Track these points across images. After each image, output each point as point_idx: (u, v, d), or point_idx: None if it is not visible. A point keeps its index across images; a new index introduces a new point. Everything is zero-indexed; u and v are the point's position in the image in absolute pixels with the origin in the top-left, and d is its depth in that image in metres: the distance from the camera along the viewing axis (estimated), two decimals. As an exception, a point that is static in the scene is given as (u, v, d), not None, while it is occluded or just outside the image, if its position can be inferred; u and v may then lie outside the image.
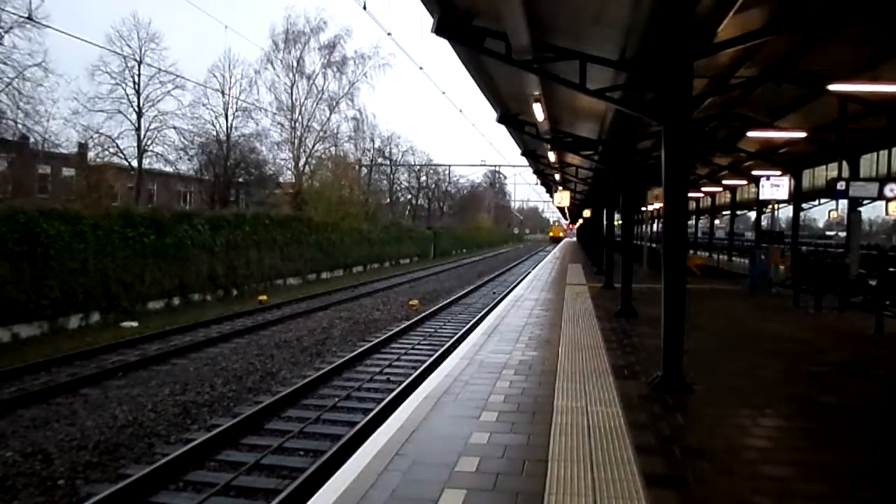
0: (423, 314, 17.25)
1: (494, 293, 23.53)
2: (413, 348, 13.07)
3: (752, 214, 31.56)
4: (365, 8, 16.98)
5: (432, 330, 15.31)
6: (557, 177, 27.04)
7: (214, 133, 38.77)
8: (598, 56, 7.99)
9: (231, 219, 22.94)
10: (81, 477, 6.40)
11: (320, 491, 3.96)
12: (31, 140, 28.53)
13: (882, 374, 7.84)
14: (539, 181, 39.31)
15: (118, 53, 32.25)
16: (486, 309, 17.74)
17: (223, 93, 38.18)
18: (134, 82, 33.85)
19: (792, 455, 4.72)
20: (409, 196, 74.37)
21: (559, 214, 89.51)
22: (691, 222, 41.42)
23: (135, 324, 15.67)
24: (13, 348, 12.78)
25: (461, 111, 48.40)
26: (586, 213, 40.75)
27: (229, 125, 39.12)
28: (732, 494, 3.98)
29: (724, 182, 28.99)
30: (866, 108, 13.67)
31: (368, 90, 78.18)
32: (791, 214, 24.19)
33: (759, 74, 11.31)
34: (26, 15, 22.62)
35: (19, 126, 27.28)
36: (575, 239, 77.78)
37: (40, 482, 6.23)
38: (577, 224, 69.30)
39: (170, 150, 36.17)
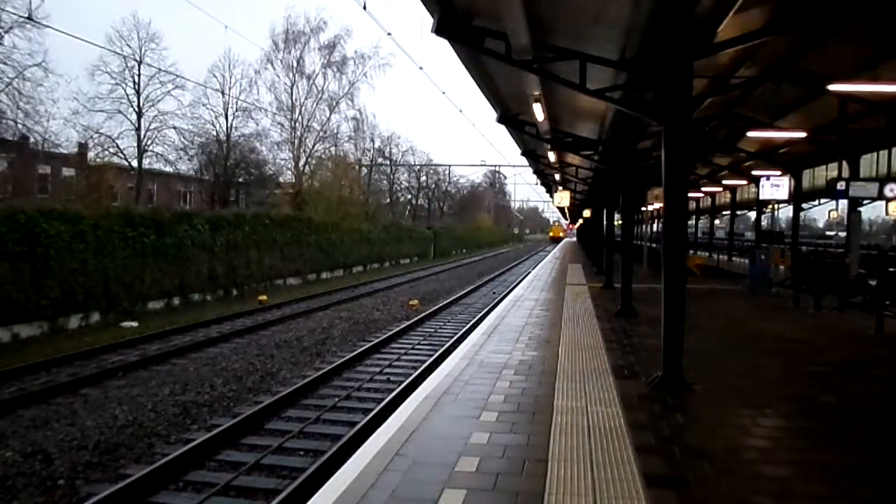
0: (423, 314, 17.25)
1: (494, 293, 23.53)
2: (413, 348, 13.07)
3: (752, 214, 31.57)
4: (365, 8, 17.01)
5: (432, 330, 15.31)
6: (557, 177, 27.04)
7: (214, 133, 38.84)
8: (598, 56, 7.99)
9: (231, 219, 22.95)
10: (81, 477, 6.40)
11: (320, 491, 3.96)
12: (31, 140, 28.53)
13: (882, 374, 7.84)
14: (539, 181, 39.32)
15: (118, 53, 32.30)
16: (486, 309, 17.74)
17: (223, 93, 38.24)
18: (134, 82, 33.89)
19: (792, 455, 4.72)
20: (409, 196, 74.38)
21: (559, 214, 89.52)
22: (691, 222, 41.42)
23: (135, 324, 15.67)
24: (13, 348, 12.78)
25: (461, 111, 48.47)
26: (586, 213, 40.76)
27: (229, 125, 39.18)
28: (732, 494, 3.98)
29: (724, 182, 28.99)
30: (866, 108, 13.67)
31: (368, 90, 78.25)
32: (791, 214, 24.20)
33: (759, 74, 11.31)
34: (26, 15, 22.64)
35: (19, 126, 27.30)
36: (575, 239, 77.78)
37: (40, 482, 6.23)
38: (577, 224, 69.30)
39: (170, 150, 36.24)
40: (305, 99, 41.72)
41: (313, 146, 42.80)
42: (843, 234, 28.44)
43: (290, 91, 41.28)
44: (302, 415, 8.46)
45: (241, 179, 41.48)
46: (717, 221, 46.53)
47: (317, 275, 29.17)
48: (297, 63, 41.06)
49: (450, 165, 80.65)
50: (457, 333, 14.19)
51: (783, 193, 18.84)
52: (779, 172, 20.09)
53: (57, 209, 16.00)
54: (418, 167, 69.69)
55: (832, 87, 11.49)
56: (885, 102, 13.27)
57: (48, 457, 6.79)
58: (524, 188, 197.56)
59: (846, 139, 14.96)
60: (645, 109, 8.58)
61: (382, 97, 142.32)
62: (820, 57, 10.63)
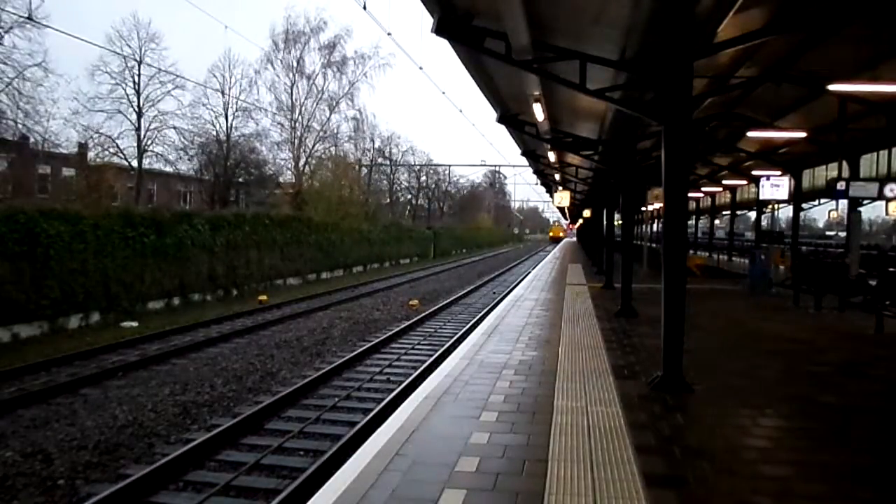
0: (423, 314, 17.25)
1: (494, 293, 23.53)
2: (413, 348, 13.07)
3: (752, 214, 31.57)
4: (365, 8, 17.01)
5: (432, 330, 15.31)
6: (557, 177, 27.04)
7: (214, 133, 38.84)
8: (598, 56, 7.99)
9: (231, 219, 22.95)
10: (81, 477, 6.40)
11: (320, 491, 3.96)
12: (31, 140, 28.52)
13: (882, 374, 7.84)
14: (539, 181, 39.31)
15: (118, 53, 32.30)
16: (486, 309, 17.74)
17: (223, 93, 38.23)
18: (134, 82, 33.89)
19: (792, 455, 4.72)
20: (409, 196, 74.38)
21: (559, 214, 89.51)
22: (691, 222, 41.43)
23: (135, 324, 15.67)
24: (13, 348, 12.78)
25: (461, 111, 48.46)
26: (586, 213, 40.75)
27: (229, 125, 39.18)
28: (732, 494, 3.98)
29: (724, 182, 29.00)
30: (866, 108, 13.67)
31: (368, 90, 78.23)
32: (791, 214, 24.20)
33: (759, 74, 11.31)
34: (26, 15, 22.64)
35: (19, 126, 27.29)
36: (575, 239, 77.78)
37: (40, 482, 6.23)
38: (577, 224, 69.30)
39: (170, 150, 36.24)
40: (305, 99, 41.78)
41: (313, 146, 42.85)
42: (843, 234, 28.44)
43: (290, 91, 41.34)
44: (302, 415, 8.46)
45: (241, 179, 41.47)
46: (717, 221, 46.53)
47: (317, 275, 29.17)
48: (297, 63, 41.12)
49: (450, 165, 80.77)
50: (457, 333, 14.19)
51: (783, 193, 18.85)
52: (779, 172, 20.09)
53: (57, 209, 16.00)
54: (418, 167, 69.75)
55: (832, 87, 11.49)
56: (885, 102, 13.27)
57: (48, 457, 6.79)
58: (524, 188, 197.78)
59: (846, 139, 14.96)
60: (645, 109, 8.58)
61: (382, 97, 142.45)
62: (820, 57, 10.63)
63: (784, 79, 11.61)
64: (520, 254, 61.25)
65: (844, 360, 8.46)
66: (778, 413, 5.78)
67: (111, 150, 33.31)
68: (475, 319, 15.99)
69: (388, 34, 20.70)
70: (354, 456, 4.50)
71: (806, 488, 4.12)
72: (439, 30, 7.48)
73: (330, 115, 43.35)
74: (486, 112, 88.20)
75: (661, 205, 10.14)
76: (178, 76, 34.18)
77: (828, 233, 56.28)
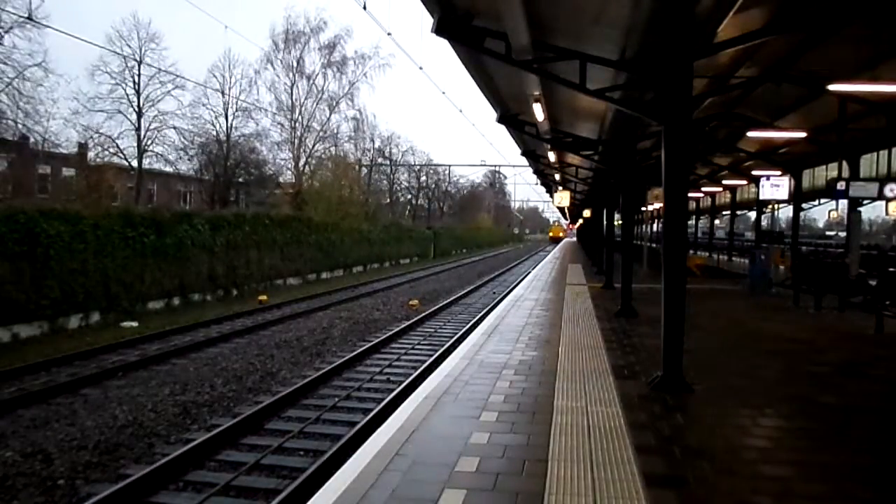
0: (423, 314, 17.25)
1: (494, 293, 23.54)
2: (413, 348, 13.07)
3: (752, 214, 31.57)
4: (365, 8, 17.01)
5: (432, 330, 15.31)
6: (557, 177, 27.04)
7: (214, 133, 38.84)
8: (598, 56, 7.99)
9: (231, 219, 22.95)
10: (81, 477, 6.40)
11: (320, 491, 3.96)
12: (31, 140, 28.53)
13: (882, 374, 7.84)
14: (539, 181, 39.32)
15: (118, 53, 32.30)
16: (486, 309, 17.74)
17: (223, 93, 38.23)
18: (134, 82, 33.89)
19: (792, 455, 4.72)
20: (409, 196, 74.38)
21: (559, 214, 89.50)
22: (691, 222, 41.43)
23: (135, 324, 15.67)
24: (13, 348, 12.78)
25: (461, 111, 48.47)
26: (586, 213, 40.76)
27: (229, 125, 39.18)
28: (732, 494, 3.98)
29: (724, 182, 29.00)
30: (866, 108, 13.67)
31: (368, 90, 78.26)
32: (791, 214, 24.20)
33: (759, 74, 11.31)
34: (26, 15, 22.63)
35: (19, 126, 27.30)
36: (575, 239, 77.78)
37: (40, 482, 6.23)
38: (577, 224, 69.30)
39: (170, 150, 36.24)
40: (305, 99, 41.78)
41: (313, 146, 42.85)
42: (843, 234, 28.44)
43: (290, 91, 41.34)
44: (302, 415, 8.46)
45: (241, 179, 41.47)
46: (717, 221, 46.53)
47: (317, 275, 29.17)
48: (297, 63, 41.12)
49: (450, 165, 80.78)
50: (457, 333, 14.19)
51: (783, 193, 18.84)
52: (779, 172, 20.09)
53: (57, 209, 16.00)
54: (418, 167, 69.75)
55: (832, 87, 11.49)
56: (885, 102, 13.27)
57: (48, 457, 6.79)
58: (524, 188, 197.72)
59: (846, 139, 14.96)
60: (645, 109, 8.58)
61: (382, 97, 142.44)
62: (820, 57, 10.63)
63: (784, 79, 11.60)
64: (520, 254, 61.25)
65: (844, 360, 8.46)
66: (778, 413, 5.78)
67: (111, 150, 33.36)
68: (475, 319, 15.99)
69: (388, 34, 20.71)
70: (354, 456, 4.50)
71: (806, 488, 4.12)
72: (439, 30, 7.48)
73: (330, 115, 43.42)
74: (486, 112, 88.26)
75: (661, 205, 10.14)
76: (178, 76, 34.23)
77: (828, 233, 56.30)
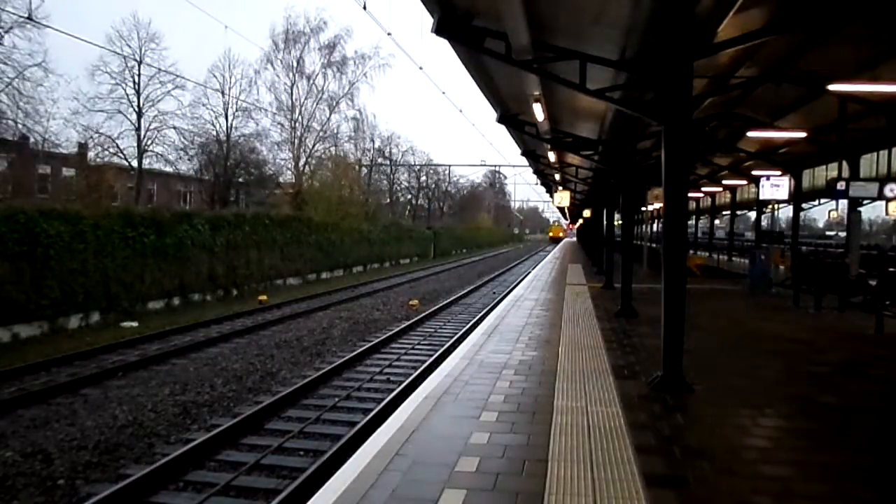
0: (423, 314, 17.25)
1: (494, 293, 23.54)
2: (413, 348, 13.07)
3: (752, 214, 31.58)
4: (365, 8, 17.01)
5: (432, 330, 15.31)
6: (557, 177, 27.04)
7: (214, 133, 38.82)
8: (598, 56, 7.99)
9: (231, 219, 22.95)
10: (81, 477, 6.40)
11: (320, 491, 3.96)
12: (31, 140, 28.52)
13: (882, 374, 7.84)
14: (539, 181, 39.31)
15: (118, 53, 32.29)
16: (486, 309, 17.74)
17: (223, 93, 38.22)
18: (134, 82, 33.88)
19: (792, 455, 4.72)
20: (409, 196, 74.37)
21: (559, 214, 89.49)
22: (691, 222, 41.43)
23: (135, 324, 15.67)
24: (13, 348, 12.78)
25: (461, 111, 48.46)
26: (586, 213, 40.76)
27: (229, 125, 39.16)
28: (732, 494, 3.98)
29: (724, 182, 29.00)
30: (866, 108, 13.67)
31: (368, 90, 78.33)
32: (791, 214, 24.20)
33: (759, 74, 11.31)
34: (26, 15, 22.63)
35: (19, 126, 27.29)
36: (575, 239, 77.78)
37: (40, 482, 6.23)
38: (577, 224, 69.30)
39: (170, 150, 36.22)
40: (305, 99, 41.77)
41: (313, 146, 42.84)
42: (843, 234, 28.44)
43: (290, 91, 41.32)
44: (302, 415, 8.46)
45: (241, 179, 41.45)
46: (717, 221, 46.53)
47: (317, 275, 29.17)
48: (297, 63, 41.10)
49: (450, 165, 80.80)
50: (457, 333, 14.19)
51: (783, 193, 18.84)
52: (779, 172, 20.09)
53: (57, 209, 16.00)
54: (418, 167, 69.75)
55: (832, 87, 11.49)
56: (885, 102, 13.27)
57: (48, 457, 6.79)
58: (524, 188, 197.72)
59: (846, 139, 14.96)
60: (645, 109, 8.58)
61: (382, 97, 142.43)
62: (820, 57, 10.63)
63: (784, 79, 11.60)
64: (520, 254, 61.25)
65: (844, 361, 8.46)
66: (778, 413, 5.78)
67: (111, 150, 33.35)
68: (475, 319, 15.99)
69: (388, 34, 20.70)
70: (354, 456, 4.50)
71: (806, 488, 4.12)
72: (439, 30, 7.48)
73: (330, 115, 43.41)
74: (486, 112, 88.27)
75: (661, 205, 10.15)
76: (178, 76, 34.22)
77: (828, 233, 56.29)
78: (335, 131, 44.85)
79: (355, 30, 79.66)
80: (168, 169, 37.35)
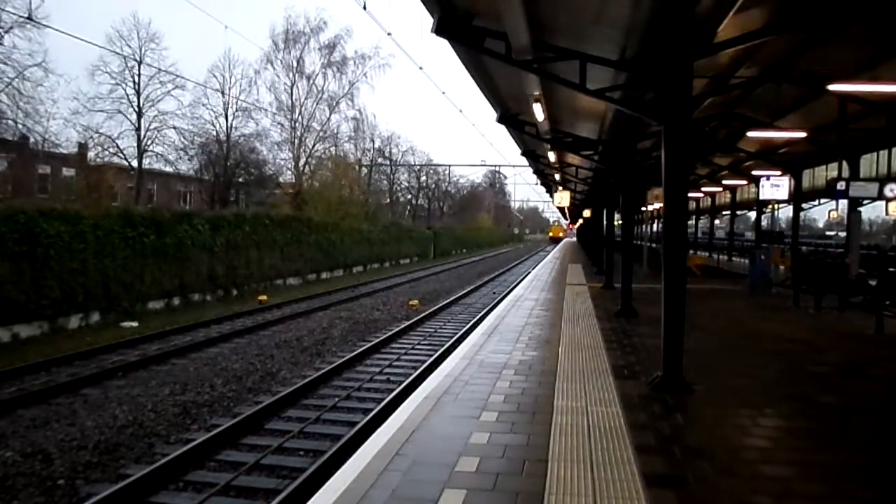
0: (423, 314, 17.25)
1: (494, 293, 23.54)
2: (413, 348, 13.07)
3: (752, 214, 31.58)
4: (365, 8, 17.01)
5: (432, 330, 15.31)
6: (557, 177, 27.04)
7: (214, 133, 38.84)
8: (598, 56, 7.99)
9: (231, 219, 22.94)
10: (81, 477, 6.40)
11: (320, 491, 3.96)
12: (31, 140, 28.54)
13: (882, 374, 7.84)
14: (539, 181, 39.32)
15: (118, 53, 32.30)
16: (486, 309, 17.74)
17: (223, 93, 38.24)
18: (134, 82, 33.90)
19: (792, 455, 4.72)
20: (409, 196, 74.39)
21: (559, 214, 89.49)
22: (691, 222, 41.43)
23: (135, 324, 15.67)
24: (13, 348, 12.78)
25: (461, 111, 48.57)
26: (586, 213, 40.76)
27: (229, 125, 39.18)
28: (732, 494, 3.98)
29: (724, 182, 29.00)
30: (866, 108, 13.67)
31: (368, 90, 78.40)
32: (791, 214, 24.21)
33: (759, 74, 11.31)
34: (26, 15, 22.63)
35: (19, 126, 27.30)
36: (575, 239, 77.78)
37: (40, 482, 6.23)
38: (577, 224, 69.30)
39: (170, 150, 36.24)
40: (305, 99, 41.75)
41: (313, 146, 42.84)
42: (843, 234, 28.45)
43: (290, 91, 41.31)
44: (302, 415, 8.45)
45: (241, 179, 41.46)
46: (717, 221, 46.54)
47: (317, 275, 29.17)
48: (297, 63, 41.09)
49: (450, 165, 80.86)
50: (457, 333, 14.19)
51: (783, 193, 18.85)
52: (779, 172, 20.08)
53: (57, 209, 15.99)
54: (418, 167, 69.78)
55: (832, 87, 11.48)
56: (885, 102, 13.27)
57: (48, 457, 6.79)
58: (524, 188, 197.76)
59: (846, 139, 14.96)
60: (645, 109, 8.58)
61: (382, 97, 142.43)
62: (820, 57, 10.63)
63: (784, 79, 11.61)
64: (520, 254, 61.25)
65: (844, 361, 8.47)
66: (778, 413, 5.78)
67: (111, 150, 33.37)
68: (475, 319, 15.99)
69: (388, 34, 20.71)
70: (354, 456, 4.50)
71: (806, 488, 4.12)
72: (439, 30, 7.48)
73: (330, 115, 43.40)
74: (486, 112, 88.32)
75: (661, 205, 10.15)
76: (178, 76, 34.26)
77: (828, 233, 56.30)
78: (335, 131, 44.92)
79: (355, 30, 79.73)
80: (168, 169, 37.40)
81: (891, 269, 15.54)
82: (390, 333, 14.21)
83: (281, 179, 44.09)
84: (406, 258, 44.34)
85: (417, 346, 13.24)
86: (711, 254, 35.75)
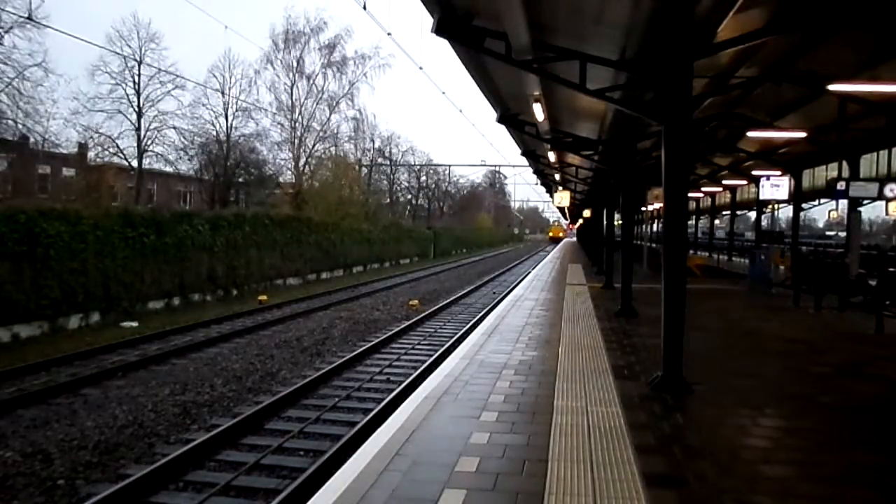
0: (423, 314, 17.25)
1: (494, 293, 23.54)
2: (413, 348, 13.07)
3: (752, 214, 31.58)
4: (365, 8, 17.02)
5: (432, 330, 15.31)
6: (557, 177, 27.04)
7: (214, 133, 38.86)
8: (598, 56, 7.99)
9: (231, 219, 22.94)
10: (81, 477, 6.40)
11: (320, 491, 3.96)
12: (31, 140, 28.56)
13: (882, 374, 7.84)
14: (539, 181, 39.32)
15: (118, 53, 32.31)
16: (486, 309, 17.74)
17: (223, 93, 38.23)
18: (134, 82, 33.91)
19: (792, 455, 4.72)
20: (409, 196, 74.39)
21: (559, 214, 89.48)
22: (691, 222, 41.42)
23: (135, 324, 15.67)
24: (13, 348, 12.78)
25: (461, 111, 48.65)
26: (586, 213, 40.77)
27: (229, 125, 39.19)
28: (732, 494, 3.98)
29: (724, 182, 28.98)
30: (866, 108, 13.66)
31: (368, 90, 78.35)
32: (791, 214, 24.21)
33: (759, 74, 11.31)
34: (26, 15, 22.63)
35: (19, 126, 27.32)
36: (575, 239, 77.79)
37: (40, 482, 6.23)
38: (577, 224, 69.31)
39: (170, 150, 36.27)
40: (305, 99, 41.74)
41: (313, 146, 42.83)
42: (843, 234, 28.44)
43: (290, 91, 41.28)
44: (302, 415, 8.46)
45: (241, 179, 41.46)
46: (717, 221, 46.53)
47: (317, 275, 29.16)
48: (297, 63, 41.07)
49: (450, 165, 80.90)
50: (457, 333, 14.20)
51: (783, 193, 18.86)
52: (779, 172, 20.08)
53: (57, 209, 15.98)
54: (418, 167, 69.80)
55: (832, 87, 11.48)
56: (885, 102, 13.26)
57: (48, 457, 6.79)
58: (524, 188, 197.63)
59: (846, 139, 14.95)
60: (645, 109, 8.58)
61: (382, 97, 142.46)
62: (820, 57, 10.63)
63: (784, 79, 11.60)
64: (520, 254, 61.26)
65: (844, 361, 8.47)
66: (778, 413, 5.78)
67: (111, 150, 33.41)
68: (475, 319, 15.99)
69: (388, 34, 20.72)
70: (354, 456, 4.49)
71: (806, 488, 4.12)
72: (439, 30, 7.48)
73: (330, 115, 43.39)
74: (486, 112, 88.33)
75: (661, 205, 10.15)
76: (178, 76, 34.26)
77: (828, 233, 56.29)
78: (335, 131, 44.92)
79: (355, 30, 79.44)
80: (168, 169, 37.43)
81: (891, 269, 15.55)
82: (390, 333, 14.21)
83: (281, 179, 44.14)
84: (406, 258, 44.33)
85: (417, 347, 13.24)
86: (711, 254, 35.75)
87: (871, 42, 9.99)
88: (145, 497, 5.93)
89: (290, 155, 41.76)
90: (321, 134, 43.06)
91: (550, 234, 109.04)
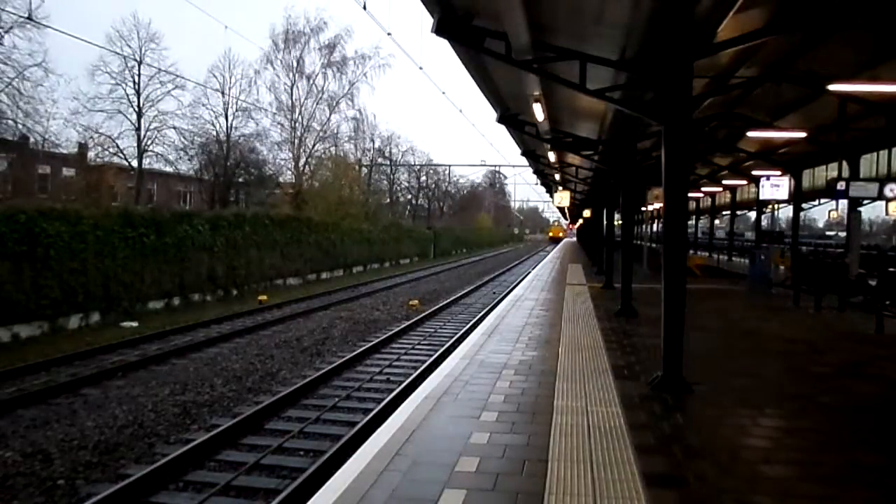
0: (423, 314, 17.25)
1: (494, 293, 23.54)
2: (413, 348, 13.08)
3: (752, 214, 31.58)
4: (365, 8, 17.03)
5: (432, 330, 15.31)
6: (557, 177, 27.05)
7: (214, 133, 38.86)
8: (598, 56, 7.99)
9: (231, 219, 22.94)
10: (81, 477, 6.40)
11: (320, 491, 3.96)
12: (31, 140, 28.57)
13: (882, 374, 7.84)
14: (539, 181, 39.33)
15: (118, 53, 32.32)
16: (486, 309, 17.74)
17: (223, 93, 38.23)
18: (134, 82, 33.92)
19: (792, 455, 4.72)
20: (409, 196, 74.39)
21: (559, 214, 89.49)
22: (691, 222, 41.42)
23: (135, 324, 15.67)
24: (13, 348, 12.78)
25: (461, 111, 48.69)
26: (586, 213, 40.77)
27: (229, 125, 39.19)
28: (732, 494, 3.98)
29: (724, 182, 28.98)
30: (866, 108, 13.66)
31: (368, 90, 78.31)
32: (791, 214, 24.21)
33: (759, 74, 11.31)
34: (26, 15, 22.64)
35: (19, 126, 27.32)
36: (575, 239, 77.80)
37: (40, 482, 6.23)
38: (577, 224, 69.32)
39: (170, 150, 36.28)
40: (305, 99, 41.73)
41: (313, 146, 42.82)
42: (843, 234, 28.44)
43: (290, 91, 41.27)
44: (302, 415, 8.46)
45: (241, 179, 41.46)
46: (717, 221, 46.54)
47: (317, 275, 29.16)
48: (297, 63, 41.06)
49: (450, 165, 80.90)
50: (457, 333, 14.20)
51: (783, 193, 18.86)
52: (779, 172, 20.08)
53: (57, 209, 15.98)
54: (418, 167, 69.79)
55: (832, 87, 11.47)
56: (885, 102, 13.26)
57: (48, 457, 6.79)
58: (524, 188, 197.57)
59: (846, 139, 14.95)
60: (645, 109, 8.58)
61: (382, 97, 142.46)
62: (820, 57, 10.63)
63: (784, 79, 11.60)
64: (520, 254, 61.25)
65: (844, 361, 8.47)
66: (778, 413, 5.78)
67: (111, 150, 33.42)
68: (475, 319, 15.99)
69: (388, 34, 20.72)
70: (354, 456, 4.50)
71: (806, 488, 4.12)
72: (439, 30, 7.48)
73: (330, 115, 43.38)
74: (486, 112, 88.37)
75: (661, 205, 10.14)
76: (178, 76, 34.28)
77: (828, 233, 56.29)
78: (335, 131, 44.91)
79: (355, 30, 79.38)
80: (168, 169, 37.43)
81: (891, 269, 15.55)
82: (390, 333, 14.21)
83: (281, 179, 44.14)
84: (406, 258, 44.33)
85: (417, 347, 13.25)
86: (711, 254, 35.75)
87: (871, 42, 9.99)
88: (145, 497, 5.93)
89: (290, 155, 41.80)
90: (321, 134, 43.10)
91: (550, 234, 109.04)
